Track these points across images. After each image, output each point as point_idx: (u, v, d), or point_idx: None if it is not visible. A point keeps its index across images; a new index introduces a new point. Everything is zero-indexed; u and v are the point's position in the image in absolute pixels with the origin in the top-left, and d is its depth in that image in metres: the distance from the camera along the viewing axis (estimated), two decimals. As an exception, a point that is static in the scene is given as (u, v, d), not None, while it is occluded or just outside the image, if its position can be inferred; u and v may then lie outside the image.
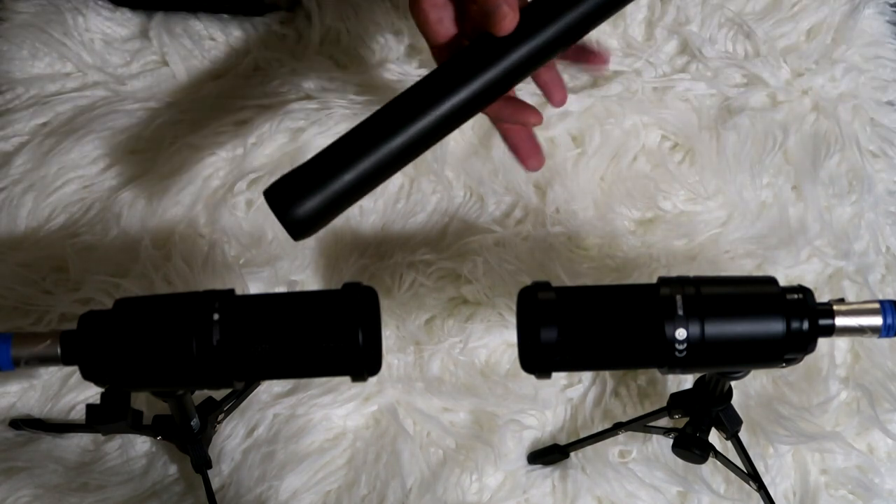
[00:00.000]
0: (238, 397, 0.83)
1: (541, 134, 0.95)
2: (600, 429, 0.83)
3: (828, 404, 0.86)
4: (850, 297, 0.91)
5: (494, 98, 0.62)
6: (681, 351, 0.58)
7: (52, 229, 0.93)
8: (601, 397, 0.88)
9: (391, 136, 0.60)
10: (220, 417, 0.80)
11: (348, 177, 0.59)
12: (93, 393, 0.87)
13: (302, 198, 0.59)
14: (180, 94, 1.01)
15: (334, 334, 0.58)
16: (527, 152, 0.70)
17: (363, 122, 0.61)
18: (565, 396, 0.88)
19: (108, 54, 1.02)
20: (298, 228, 0.59)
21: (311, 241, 0.92)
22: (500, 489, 0.85)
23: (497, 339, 0.89)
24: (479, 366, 0.89)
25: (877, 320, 0.60)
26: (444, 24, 0.64)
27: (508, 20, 0.59)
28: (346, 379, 0.60)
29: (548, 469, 0.86)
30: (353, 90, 0.98)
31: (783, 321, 0.58)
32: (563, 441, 0.86)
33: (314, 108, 0.96)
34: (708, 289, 0.59)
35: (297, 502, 0.83)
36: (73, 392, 0.87)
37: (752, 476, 0.77)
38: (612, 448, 0.85)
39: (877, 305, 0.60)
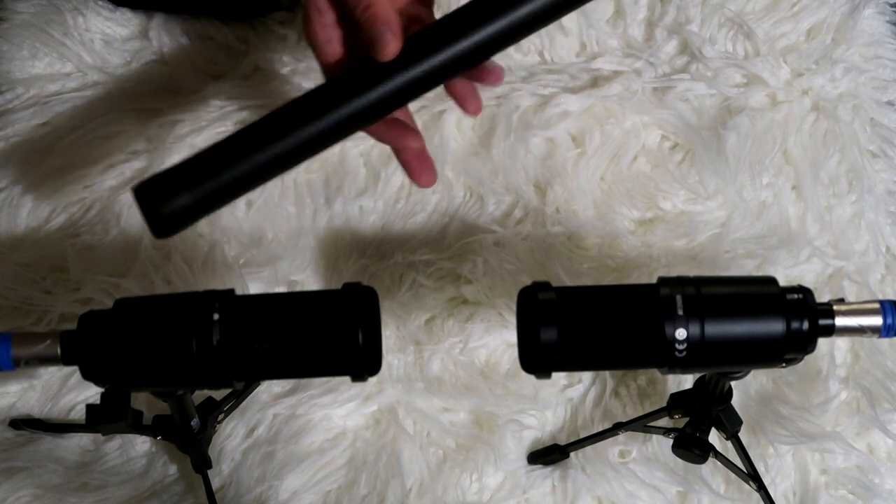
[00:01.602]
0: (238, 397, 0.83)
1: (541, 134, 0.96)
2: (600, 429, 0.83)
3: (828, 404, 0.86)
4: (850, 297, 0.91)
5: (372, 120, 0.63)
6: (681, 351, 0.58)
7: (52, 229, 0.93)
8: (601, 397, 0.88)
9: (263, 147, 0.61)
10: (220, 417, 0.80)
11: (218, 182, 0.61)
12: (93, 393, 0.87)
13: (169, 198, 0.60)
14: (180, 94, 1.01)
15: (334, 334, 0.58)
16: (416, 168, 0.70)
17: (241, 129, 0.62)
18: (565, 396, 0.88)
19: (108, 54, 1.02)
20: (162, 227, 0.60)
21: (311, 241, 0.92)
22: (500, 489, 0.85)
23: (497, 339, 0.89)
24: (479, 366, 0.89)
25: (877, 320, 0.60)
26: (333, 45, 0.65)
27: (391, 47, 0.60)
28: (346, 379, 0.60)
29: (548, 469, 0.86)
30: (353, 90, 0.98)
31: (783, 321, 0.58)
32: (563, 441, 0.86)
33: (314, 108, 0.96)
34: (708, 289, 0.59)
35: (297, 502, 0.83)
36: (73, 392, 0.87)
37: (752, 476, 0.77)
38: (612, 448, 0.85)
39: (877, 305, 0.60)
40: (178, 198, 0.60)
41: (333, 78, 0.63)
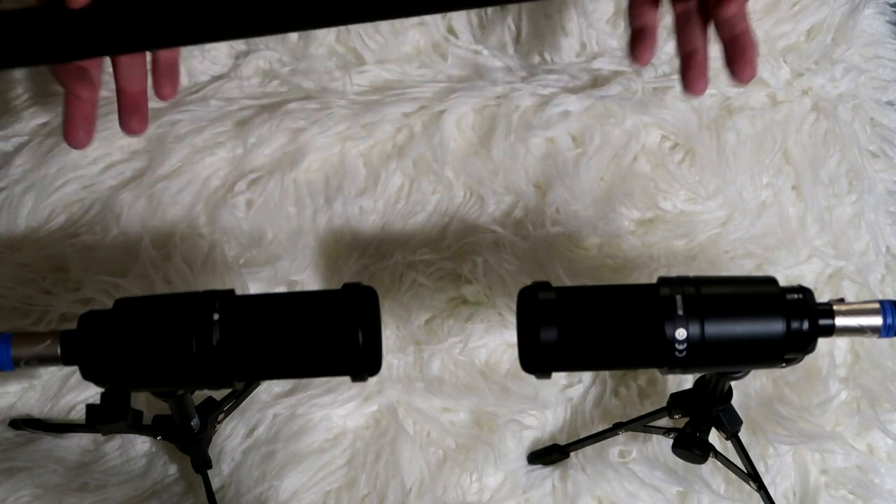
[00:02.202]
0: (238, 397, 0.83)
1: (541, 134, 0.96)
2: (600, 429, 0.83)
3: (828, 404, 0.86)
4: (850, 297, 0.91)
5: (51, 61, 0.63)
6: (681, 351, 0.58)
7: (52, 229, 0.93)
8: (601, 397, 0.88)
9: None
10: (220, 417, 0.80)
11: None
12: (93, 393, 0.87)
13: None
14: (180, 94, 1.00)
15: (334, 334, 0.58)
16: (72, 126, 0.70)
17: None
18: (565, 396, 0.88)
19: (108, 54, 1.02)
20: None
21: (311, 241, 0.92)
22: (500, 489, 0.85)
23: (497, 339, 0.89)
24: (479, 366, 0.89)
25: (877, 320, 0.60)
26: None
27: None
28: (346, 379, 0.60)
29: (548, 469, 0.86)
30: (353, 90, 0.98)
31: (783, 321, 0.58)
32: (563, 441, 0.86)
33: (314, 108, 0.96)
34: (708, 289, 0.59)
35: (297, 502, 0.83)
36: (73, 392, 0.87)
37: (752, 476, 0.77)
38: (612, 448, 0.85)
39: (877, 305, 0.60)
40: None
41: (32, 8, 0.61)
